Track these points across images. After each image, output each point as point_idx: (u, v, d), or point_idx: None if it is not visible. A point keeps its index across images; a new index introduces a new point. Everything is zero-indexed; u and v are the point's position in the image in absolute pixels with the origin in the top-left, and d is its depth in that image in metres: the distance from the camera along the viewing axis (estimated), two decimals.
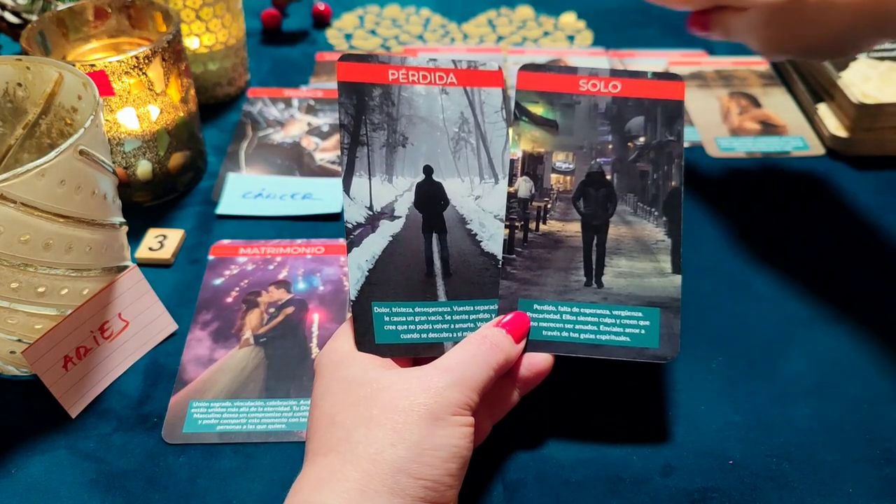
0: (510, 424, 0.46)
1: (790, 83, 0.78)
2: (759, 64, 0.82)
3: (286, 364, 0.51)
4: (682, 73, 0.81)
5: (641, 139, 0.47)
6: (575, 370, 0.50)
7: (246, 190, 0.66)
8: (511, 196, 0.47)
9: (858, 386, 0.49)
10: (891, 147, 0.68)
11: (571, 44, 0.88)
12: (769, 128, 0.73)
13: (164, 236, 0.60)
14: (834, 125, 0.69)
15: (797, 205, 0.64)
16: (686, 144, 0.72)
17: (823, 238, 0.61)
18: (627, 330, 0.44)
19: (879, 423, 0.47)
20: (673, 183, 0.47)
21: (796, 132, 0.72)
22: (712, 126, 0.74)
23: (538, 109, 0.47)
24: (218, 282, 0.57)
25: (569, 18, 0.93)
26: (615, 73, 0.48)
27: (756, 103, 0.76)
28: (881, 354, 0.51)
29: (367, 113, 0.45)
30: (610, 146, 0.47)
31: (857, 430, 0.47)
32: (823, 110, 0.71)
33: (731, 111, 0.76)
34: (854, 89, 0.67)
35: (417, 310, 0.43)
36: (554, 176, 0.47)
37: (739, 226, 0.62)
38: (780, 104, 0.76)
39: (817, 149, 0.70)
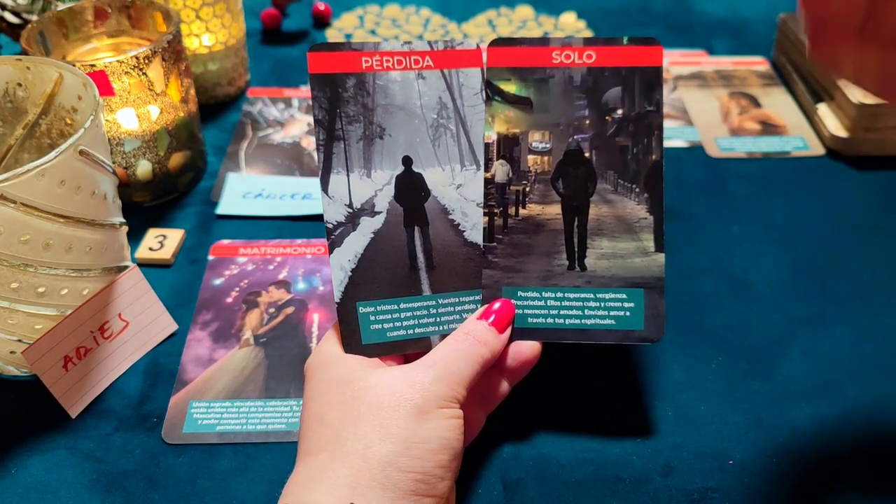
0: (510, 424, 0.46)
1: (790, 83, 0.78)
2: (759, 64, 0.82)
3: (286, 364, 0.51)
4: (683, 74, 0.81)
5: (619, 112, 0.45)
6: (575, 369, 0.50)
7: (246, 190, 0.66)
8: (488, 181, 0.45)
9: (858, 386, 0.49)
10: (891, 147, 0.68)
11: None
12: (769, 128, 0.73)
13: (164, 236, 0.60)
14: (834, 125, 0.69)
15: (797, 205, 0.64)
16: (686, 144, 0.72)
17: (823, 238, 0.61)
18: (612, 313, 0.44)
19: (879, 423, 0.47)
20: (653, 157, 0.45)
21: (796, 132, 0.72)
22: (712, 126, 0.74)
23: (511, 87, 0.45)
24: (218, 282, 0.57)
25: (569, 18, 0.93)
26: (589, 42, 0.45)
27: (756, 103, 0.76)
28: (881, 354, 0.51)
29: (341, 105, 0.44)
30: (587, 121, 0.45)
31: (857, 430, 0.47)
32: (823, 110, 0.71)
33: (731, 111, 0.76)
34: (854, 89, 0.67)
35: (402, 306, 0.43)
36: (531, 157, 0.46)
37: (739, 226, 0.62)
38: (780, 104, 0.76)
39: (817, 149, 0.70)
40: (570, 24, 0.92)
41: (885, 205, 0.64)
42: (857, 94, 0.67)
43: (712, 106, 0.76)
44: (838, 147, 0.69)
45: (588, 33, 0.89)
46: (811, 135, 0.72)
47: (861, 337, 0.53)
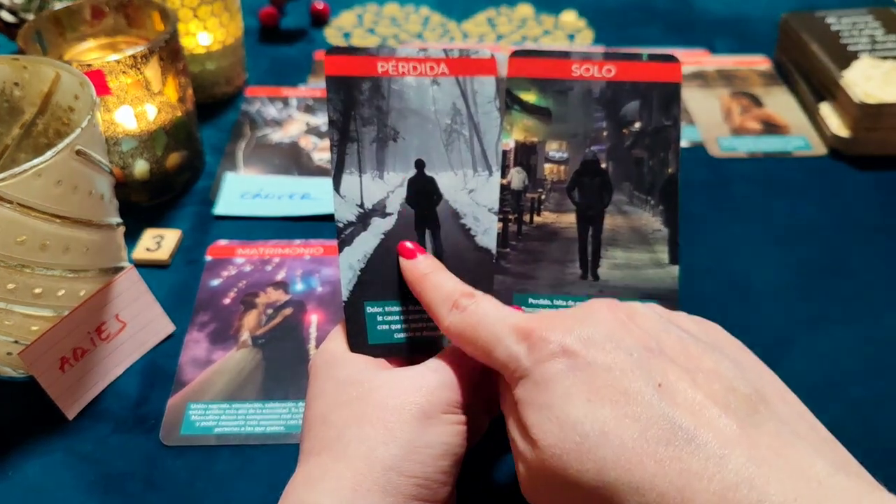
0: None
1: (792, 83, 0.78)
2: (761, 63, 0.82)
3: (284, 366, 0.50)
4: (684, 73, 0.80)
5: (637, 125, 0.46)
6: None
7: (244, 190, 0.65)
8: (504, 188, 0.46)
9: (860, 387, 0.49)
10: (893, 147, 0.68)
11: (572, 43, 0.88)
12: (771, 127, 0.73)
13: (162, 237, 0.60)
14: (836, 125, 0.69)
15: (799, 205, 0.64)
16: (687, 144, 0.71)
17: (825, 238, 0.61)
18: None
19: (879, 423, 0.47)
20: (670, 170, 0.45)
21: (798, 132, 0.72)
22: (714, 126, 0.73)
23: (530, 97, 0.46)
24: (215, 283, 0.56)
25: (569, 17, 0.92)
26: (609, 57, 0.46)
27: (758, 103, 0.76)
28: (883, 355, 0.51)
29: (356, 108, 0.44)
30: (605, 133, 0.46)
31: (857, 430, 0.46)
32: (825, 110, 0.71)
33: (732, 111, 0.75)
34: (856, 89, 0.67)
35: (411, 308, 0.43)
36: (547, 166, 0.46)
37: (741, 226, 0.62)
38: (781, 104, 0.76)
39: (819, 149, 0.70)
40: (571, 22, 0.91)
41: (887, 205, 0.64)
42: (859, 94, 0.66)
43: (714, 105, 0.76)
44: (840, 147, 0.69)
45: (589, 32, 0.89)
46: (813, 134, 0.72)
47: (863, 338, 0.52)
